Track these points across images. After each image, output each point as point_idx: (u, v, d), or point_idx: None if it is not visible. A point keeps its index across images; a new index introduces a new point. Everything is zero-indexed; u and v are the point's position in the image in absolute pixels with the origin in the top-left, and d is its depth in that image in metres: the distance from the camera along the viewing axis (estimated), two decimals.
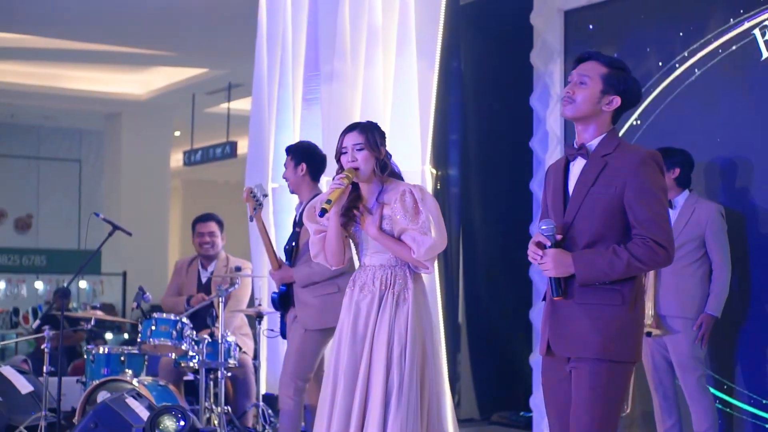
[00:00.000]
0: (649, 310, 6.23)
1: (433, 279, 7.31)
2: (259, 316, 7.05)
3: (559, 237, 4.08)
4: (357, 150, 5.01)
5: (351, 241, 5.18)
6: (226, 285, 6.99)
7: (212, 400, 6.99)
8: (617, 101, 4.13)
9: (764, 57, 6.54)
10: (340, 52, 7.97)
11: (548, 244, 4.07)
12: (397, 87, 7.60)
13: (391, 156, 5.17)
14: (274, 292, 6.36)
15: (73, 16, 11.42)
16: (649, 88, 7.26)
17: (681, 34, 7.11)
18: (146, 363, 7.30)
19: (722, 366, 6.59)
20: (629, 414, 6.65)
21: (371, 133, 5.10)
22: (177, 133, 17.24)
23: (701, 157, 6.68)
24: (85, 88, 15.46)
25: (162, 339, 6.84)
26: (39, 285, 15.40)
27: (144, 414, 5.88)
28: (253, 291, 7.89)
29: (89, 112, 16.62)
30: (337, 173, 5.04)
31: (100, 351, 7.21)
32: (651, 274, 6.25)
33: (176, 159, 17.36)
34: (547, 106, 7.85)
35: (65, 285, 6.87)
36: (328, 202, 4.87)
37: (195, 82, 14.81)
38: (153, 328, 6.87)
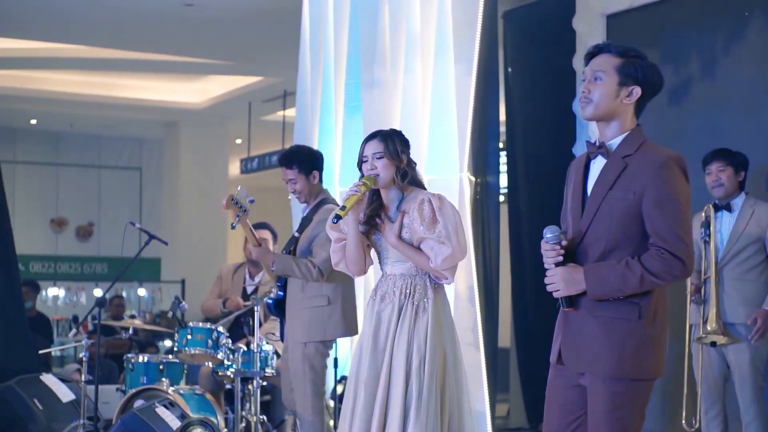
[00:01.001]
0: (712, 318, 6.09)
1: (472, 288, 7.26)
2: None
3: (564, 243, 3.82)
4: (377, 158, 4.97)
5: (374, 249, 5.14)
6: (263, 294, 6.96)
7: (252, 409, 6.97)
8: (638, 91, 3.83)
9: None
10: (380, 59, 7.95)
11: (559, 259, 3.82)
12: (435, 93, 7.55)
13: (415, 164, 5.12)
14: (270, 298, 6.31)
15: (130, 26, 11.55)
16: (692, 93, 7.15)
17: (722, 37, 7.01)
18: (186, 372, 7.32)
19: None
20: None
21: (392, 141, 5.05)
22: (238, 141, 17.32)
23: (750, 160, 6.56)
24: (144, 97, 15.61)
25: (198, 348, 6.84)
26: (98, 292, 15.51)
27: (174, 423, 5.89)
28: None
29: (149, 121, 16.79)
30: (359, 180, 5.00)
31: (139, 360, 7.25)
32: (712, 281, 6.13)
33: (234, 167, 17.47)
34: None
35: (104, 294, 6.88)
36: (343, 208, 4.83)
37: (251, 91, 14.88)
38: (189, 337, 6.87)
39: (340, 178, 8.46)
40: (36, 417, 7.17)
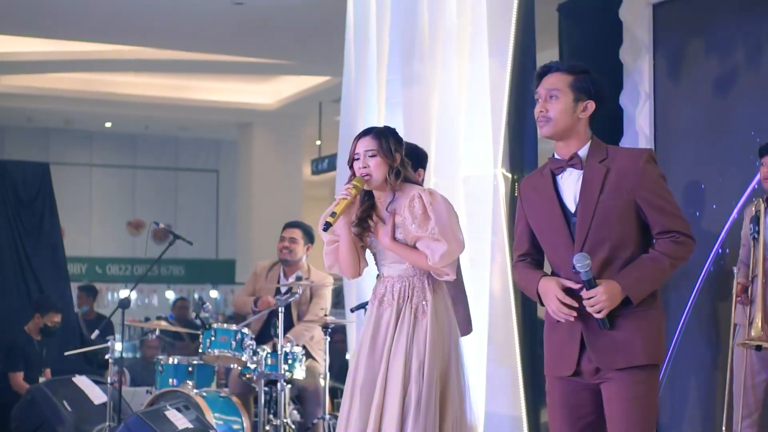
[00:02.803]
0: (759, 321, 5.79)
1: (507, 288, 7.04)
2: (326, 327, 6.85)
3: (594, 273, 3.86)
4: (369, 156, 4.76)
5: (370, 251, 4.96)
6: (287, 296, 6.84)
7: (283, 412, 6.85)
8: (592, 105, 4.00)
9: None
10: (419, 55, 7.79)
11: (588, 282, 3.84)
12: (470, 88, 7.36)
13: (409, 163, 4.91)
14: None
15: (199, 29, 11.59)
16: (737, 82, 6.88)
17: (766, 25, 6.72)
18: (216, 373, 7.23)
19: None
20: None
21: (385, 139, 4.84)
22: (318, 142, 17.28)
23: None
24: (217, 99, 15.66)
25: (221, 350, 6.76)
26: (170, 295, 15.61)
27: (185, 426, 5.76)
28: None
29: (223, 123, 16.85)
30: (349, 180, 4.81)
31: (169, 362, 7.18)
32: (759, 282, 5.82)
33: (306, 168, 17.42)
34: (636, 104, 7.51)
35: (128, 296, 6.82)
36: (333, 215, 4.66)
37: (320, 90, 14.81)
38: (212, 338, 6.78)
39: None
40: (64, 418, 7.17)
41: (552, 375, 4.10)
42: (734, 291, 6.03)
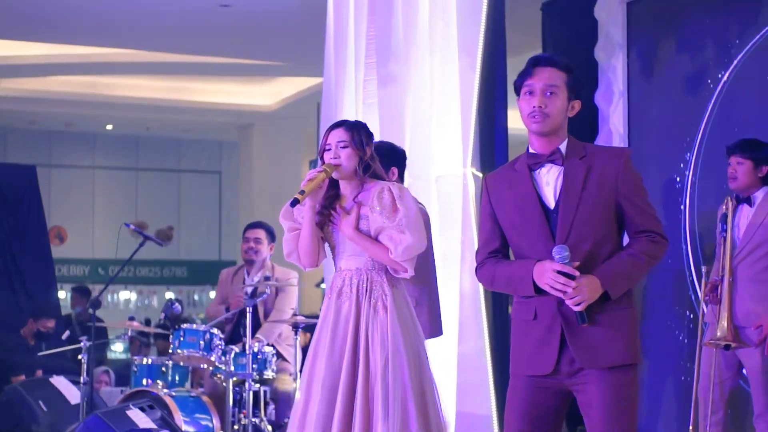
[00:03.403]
0: (724, 321, 5.78)
1: (477, 286, 7.06)
2: (296, 327, 6.89)
3: (576, 263, 3.83)
4: (341, 147, 4.82)
5: (327, 243, 4.98)
6: (256, 295, 6.88)
7: (251, 412, 6.88)
8: (578, 105, 3.99)
9: None
10: (394, 55, 7.81)
11: (576, 274, 3.81)
12: (441, 88, 7.39)
13: (377, 159, 4.95)
14: None
15: (187, 31, 11.63)
16: (707, 80, 6.88)
17: (737, 23, 6.72)
18: (192, 374, 7.28)
19: None
20: None
21: (357, 132, 4.89)
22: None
23: None
24: (218, 101, 15.70)
25: (190, 350, 6.80)
26: (170, 296, 15.68)
27: (147, 425, 5.80)
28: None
29: (225, 125, 16.89)
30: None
31: (144, 362, 7.24)
32: (726, 282, 5.81)
33: (305, 168, 17.49)
34: (610, 102, 7.53)
35: (98, 297, 6.86)
36: (302, 192, 4.69)
37: (319, 91, 14.79)
38: (182, 339, 6.83)
39: None
40: (39, 418, 7.23)
41: (522, 373, 4.01)
42: (702, 290, 6.02)
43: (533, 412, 3.97)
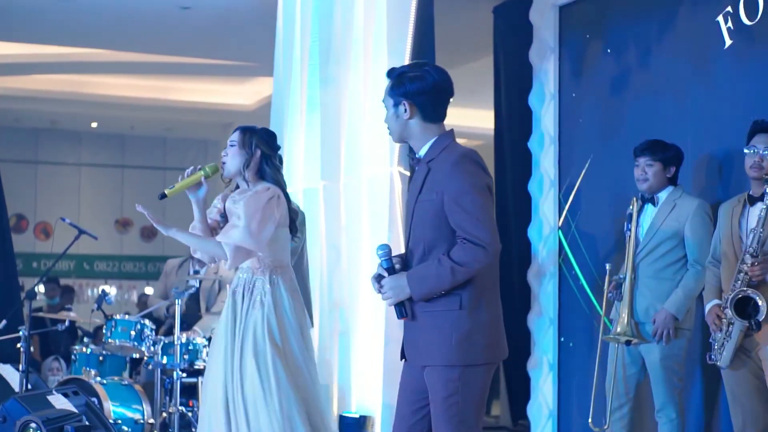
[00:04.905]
0: (625, 316, 5.94)
1: None
2: None
3: (395, 261, 4.02)
4: (230, 146, 5.07)
5: None
6: (186, 288, 7.09)
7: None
8: (408, 105, 4.03)
9: (727, 45, 6.24)
10: (334, 57, 8.03)
11: (385, 274, 4.01)
12: (374, 89, 7.58)
13: (275, 165, 5.15)
14: None
15: (151, 32, 11.83)
16: (630, 82, 7.04)
17: (656, 26, 6.88)
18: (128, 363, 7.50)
19: None
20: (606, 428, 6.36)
21: (249, 134, 5.14)
22: None
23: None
24: (200, 100, 15.86)
25: (122, 340, 7.02)
26: (149, 290, 15.86)
27: (63, 408, 5.94)
28: None
29: (207, 124, 17.04)
30: None
31: (83, 351, 7.45)
32: (628, 278, 5.97)
33: None
34: (542, 104, 7.70)
35: (33, 288, 7.05)
36: (171, 187, 4.93)
37: None
38: (113, 329, 7.05)
39: (303, 177, 8.54)
40: None
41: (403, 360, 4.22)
42: (606, 287, 6.18)
43: (408, 395, 4.13)
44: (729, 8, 6.22)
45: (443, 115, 4.13)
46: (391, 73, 4.14)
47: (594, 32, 7.43)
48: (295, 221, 5.23)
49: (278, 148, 5.26)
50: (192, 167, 5.06)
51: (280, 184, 5.18)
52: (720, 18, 6.30)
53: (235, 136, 5.12)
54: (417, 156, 4.09)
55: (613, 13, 7.29)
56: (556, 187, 7.51)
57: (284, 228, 5.12)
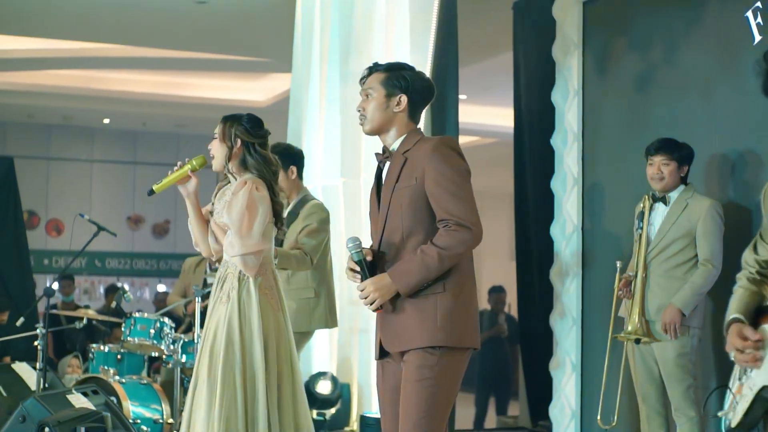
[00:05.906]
0: (636, 315, 5.88)
1: None
2: None
3: (368, 255, 4.03)
4: (214, 138, 5.02)
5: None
6: (202, 286, 7.01)
7: None
8: (404, 99, 4.10)
9: (756, 41, 6.14)
10: (355, 52, 7.96)
11: (356, 268, 4.03)
12: None
13: (253, 153, 5.04)
14: None
15: (193, 28, 11.80)
16: (655, 80, 6.96)
17: (683, 23, 6.79)
18: (147, 362, 7.43)
19: None
20: (614, 425, 6.33)
21: (231, 124, 5.08)
22: None
23: (705, 150, 6.34)
24: (213, 96, 15.81)
25: (141, 338, 6.94)
26: (161, 288, 15.83)
27: (82, 407, 5.88)
28: None
29: (218, 120, 16.94)
30: None
31: (101, 349, 7.38)
32: (639, 276, 5.92)
33: None
34: (566, 100, 7.62)
35: (50, 285, 6.99)
36: (159, 182, 4.88)
37: None
38: (133, 327, 6.98)
39: (322, 173, 8.48)
40: None
41: (377, 359, 4.23)
42: (616, 284, 6.12)
43: (385, 393, 4.15)
44: (759, 3, 6.12)
45: (420, 118, 4.24)
46: (391, 67, 4.17)
47: (619, 28, 7.37)
48: (280, 213, 5.11)
49: (264, 134, 5.11)
50: (180, 161, 4.98)
51: (263, 174, 5.04)
52: (749, 13, 6.20)
53: (218, 128, 5.07)
54: (391, 149, 4.12)
55: (638, 8, 7.21)
56: (579, 184, 7.43)
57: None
